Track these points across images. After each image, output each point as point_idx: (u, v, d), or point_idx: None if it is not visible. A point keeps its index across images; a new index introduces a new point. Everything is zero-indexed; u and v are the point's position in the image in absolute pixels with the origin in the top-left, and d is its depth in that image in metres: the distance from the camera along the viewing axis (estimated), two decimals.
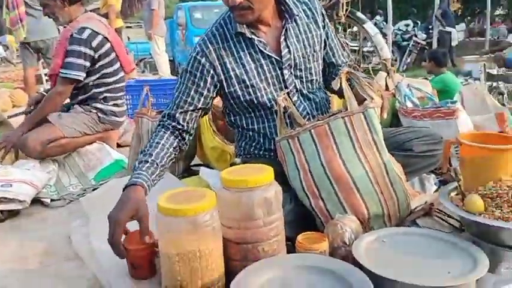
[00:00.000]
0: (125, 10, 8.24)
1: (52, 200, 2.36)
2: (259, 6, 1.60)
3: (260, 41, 1.69)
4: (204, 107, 1.74)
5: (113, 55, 2.83)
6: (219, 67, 1.69)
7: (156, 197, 1.21)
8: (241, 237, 1.25)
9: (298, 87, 1.76)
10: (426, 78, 4.80)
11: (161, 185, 2.05)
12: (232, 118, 1.85)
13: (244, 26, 1.66)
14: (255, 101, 1.72)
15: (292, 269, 1.20)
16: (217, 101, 2.59)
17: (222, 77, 1.70)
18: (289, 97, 1.71)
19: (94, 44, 2.69)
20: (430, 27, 10.87)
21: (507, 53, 8.39)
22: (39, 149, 2.60)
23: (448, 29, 10.43)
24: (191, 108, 1.70)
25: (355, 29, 4.37)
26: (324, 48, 1.87)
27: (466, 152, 1.46)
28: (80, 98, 2.81)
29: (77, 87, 2.77)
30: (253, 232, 1.24)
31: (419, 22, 11.98)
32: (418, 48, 10.72)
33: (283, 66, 1.71)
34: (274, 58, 1.71)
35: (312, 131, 1.50)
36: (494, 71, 6.87)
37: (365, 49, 9.73)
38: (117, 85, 2.90)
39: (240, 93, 1.72)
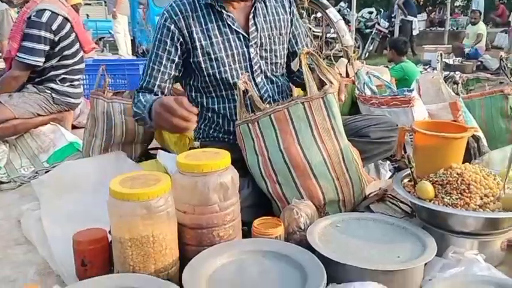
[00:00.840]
0: None
1: (2, 183, 2.28)
2: None
3: (229, 16, 1.69)
4: (176, 75, 1.75)
5: (72, 36, 2.72)
6: (187, 35, 1.68)
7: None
8: (197, 223, 1.23)
9: (262, 68, 1.76)
10: (387, 66, 4.89)
11: (117, 168, 2.02)
12: (193, 94, 1.82)
13: None
14: (218, 76, 1.71)
15: (246, 253, 1.20)
16: (177, 84, 2.55)
17: (190, 45, 1.69)
18: (253, 78, 1.72)
19: (54, 26, 2.58)
20: (393, 15, 11.04)
21: (465, 43, 8.65)
22: None
23: (409, 18, 10.63)
24: (165, 77, 1.71)
25: (319, 14, 4.37)
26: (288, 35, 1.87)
27: (419, 140, 1.49)
28: (37, 80, 2.70)
29: (34, 70, 2.65)
30: (208, 217, 1.23)
31: (382, 10, 12.13)
32: (381, 36, 10.87)
33: (250, 44, 1.72)
34: (242, 34, 1.71)
35: (272, 115, 1.50)
36: (450, 61, 7.09)
37: (328, 35, 9.80)
38: (76, 66, 2.80)
39: (203, 65, 1.70)
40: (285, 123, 1.50)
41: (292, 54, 1.90)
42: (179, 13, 1.68)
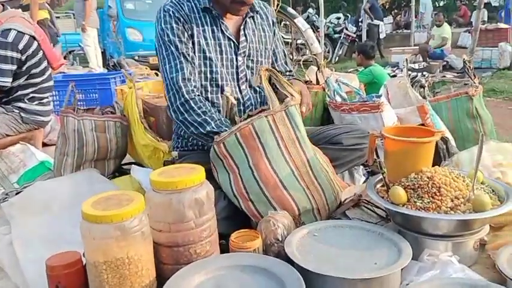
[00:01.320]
0: (53, 0, 7.81)
1: None
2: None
3: (223, 23, 1.77)
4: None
5: (40, 54, 2.68)
6: (189, 31, 1.73)
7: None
8: (172, 241, 1.22)
9: (248, 77, 1.83)
10: (357, 70, 4.96)
11: (89, 186, 1.98)
12: None
13: (211, 4, 1.73)
14: (208, 75, 1.75)
15: (224, 269, 1.19)
16: (148, 97, 2.53)
17: (190, 40, 1.73)
18: (239, 85, 1.79)
19: (21, 46, 2.53)
20: (360, 20, 11.25)
21: (431, 45, 8.86)
22: None
23: (376, 22, 10.85)
24: (194, 70, 1.72)
25: (287, 22, 4.42)
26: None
27: (389, 146, 1.52)
28: (4, 100, 2.64)
29: (1, 90, 2.59)
30: (184, 234, 1.22)
31: (349, 15, 12.33)
32: (349, 41, 11.06)
33: (239, 52, 1.79)
34: (233, 41, 1.79)
35: (238, 133, 1.51)
36: (416, 66, 7.26)
37: (298, 41, 9.90)
38: (45, 84, 2.75)
39: (197, 62, 1.74)
40: (251, 139, 1.51)
41: None
42: (181, 10, 1.74)
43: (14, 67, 2.54)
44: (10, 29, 2.51)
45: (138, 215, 1.12)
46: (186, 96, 1.64)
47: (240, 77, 1.80)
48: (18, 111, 2.64)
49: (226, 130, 1.53)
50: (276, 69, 1.96)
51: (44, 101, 2.76)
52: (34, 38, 2.63)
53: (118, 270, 1.10)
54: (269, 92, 1.56)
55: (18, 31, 2.53)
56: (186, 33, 1.72)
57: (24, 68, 2.60)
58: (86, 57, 7.77)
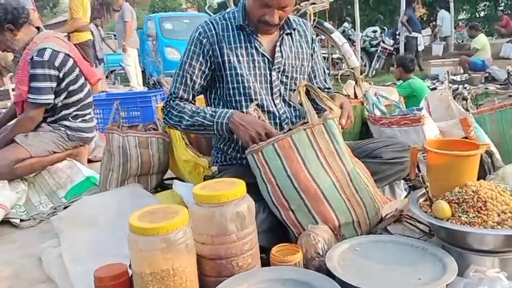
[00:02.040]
0: (95, 22, 8.15)
1: (22, 221, 2.31)
2: (281, 22, 1.80)
3: (257, 39, 1.81)
4: (204, 85, 1.86)
5: (76, 71, 2.77)
6: (217, 50, 1.79)
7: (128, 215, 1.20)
8: (215, 253, 1.25)
9: (281, 92, 1.85)
10: (395, 83, 4.89)
11: (133, 201, 2.04)
12: (218, 106, 1.89)
13: (246, 22, 1.79)
14: (242, 91, 1.80)
15: (266, 282, 1.20)
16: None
17: (219, 59, 1.80)
18: (273, 99, 1.83)
19: (57, 63, 2.63)
20: (397, 33, 11.10)
21: (472, 57, 8.63)
22: (6, 171, 2.53)
23: (414, 34, 10.67)
24: (196, 86, 1.84)
25: (323, 37, 4.43)
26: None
27: (431, 159, 1.50)
28: (50, 119, 2.76)
29: (46, 109, 2.72)
30: (226, 247, 1.24)
31: (386, 28, 12.20)
32: (386, 54, 10.91)
33: (273, 68, 1.82)
34: (267, 58, 1.82)
35: (275, 144, 1.53)
36: (457, 78, 7.08)
37: (335, 56, 9.87)
38: (86, 101, 2.85)
39: (229, 79, 1.80)
40: (290, 151, 1.52)
41: None
42: (213, 30, 1.81)
43: (54, 84, 2.64)
44: (45, 48, 2.61)
45: (182, 228, 1.15)
46: (165, 110, 1.86)
47: (274, 91, 1.84)
48: (64, 129, 2.75)
49: (198, 118, 1.73)
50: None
51: (87, 117, 2.87)
52: (69, 56, 2.73)
53: (163, 282, 1.13)
54: (307, 105, 1.57)
55: (53, 50, 2.63)
56: (205, 56, 1.80)
57: (63, 85, 2.70)
58: (127, 76, 8.03)
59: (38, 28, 2.87)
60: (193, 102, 1.87)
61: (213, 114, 1.71)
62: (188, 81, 1.82)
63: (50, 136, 2.72)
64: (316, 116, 1.57)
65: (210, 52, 1.80)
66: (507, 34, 13.05)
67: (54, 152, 2.72)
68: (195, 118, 1.75)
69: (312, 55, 1.97)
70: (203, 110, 1.76)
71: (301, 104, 1.64)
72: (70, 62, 2.73)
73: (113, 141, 2.31)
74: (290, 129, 1.59)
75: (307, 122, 1.56)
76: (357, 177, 1.56)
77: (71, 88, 2.74)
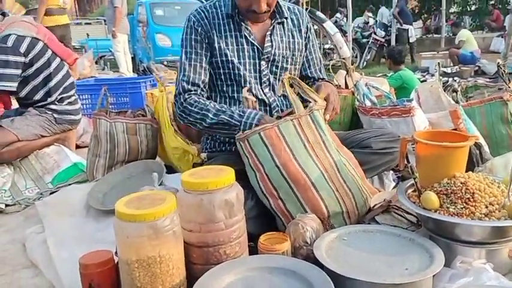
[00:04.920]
0: (84, 7, 8.03)
1: (7, 205, 2.28)
2: (272, 9, 1.76)
3: (247, 28, 1.80)
4: (211, 72, 1.83)
5: (48, 53, 2.72)
6: (210, 37, 1.78)
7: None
8: (203, 241, 1.24)
9: (271, 81, 1.84)
10: (385, 75, 4.90)
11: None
12: (210, 94, 1.88)
13: (236, 11, 1.77)
14: (232, 77, 1.80)
15: (254, 271, 1.20)
16: None
17: (211, 47, 1.79)
18: (262, 88, 1.81)
19: (22, 49, 2.58)
20: (389, 24, 11.12)
21: (461, 49, 8.67)
22: None
23: (405, 26, 10.69)
24: (207, 72, 1.82)
25: (315, 26, 4.41)
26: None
27: (421, 150, 1.50)
28: (37, 105, 2.72)
29: (27, 96, 2.67)
30: (214, 235, 1.23)
31: (378, 19, 12.20)
32: (378, 45, 10.92)
33: (262, 57, 1.81)
34: (256, 47, 1.81)
35: (261, 133, 1.52)
36: (448, 70, 7.11)
37: (326, 46, 9.84)
38: (67, 83, 2.81)
39: (220, 65, 1.79)
40: (277, 140, 1.52)
41: (303, 77, 1.98)
42: (204, 18, 1.80)
43: (18, 71, 2.59)
44: (9, 35, 2.56)
45: (170, 215, 1.13)
46: (184, 103, 1.77)
47: (263, 81, 1.83)
48: (51, 112, 2.71)
49: (223, 115, 1.66)
50: (309, 76, 1.97)
51: (72, 99, 2.83)
52: (38, 39, 2.67)
53: (150, 269, 1.12)
54: (293, 97, 1.57)
55: (18, 35, 2.58)
56: (204, 43, 1.79)
57: (33, 69, 2.65)
58: (116, 62, 7.94)
59: (3, 14, 2.81)
60: (205, 91, 1.82)
61: (241, 114, 1.65)
62: (199, 69, 1.79)
63: (37, 120, 2.68)
64: (302, 107, 1.57)
65: (206, 39, 1.79)
66: (497, 28, 13.13)
67: (42, 136, 2.69)
68: (221, 116, 1.68)
69: (306, 45, 1.95)
70: (229, 108, 1.70)
71: (284, 96, 1.63)
72: (39, 45, 2.67)
73: (100, 127, 2.28)
74: (279, 117, 1.58)
75: (293, 112, 1.56)
76: (344, 168, 1.56)
77: (46, 72, 2.69)
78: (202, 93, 1.81)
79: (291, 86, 1.61)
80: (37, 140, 2.67)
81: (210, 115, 1.70)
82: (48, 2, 5.74)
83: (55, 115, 2.72)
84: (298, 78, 1.63)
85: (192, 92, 1.78)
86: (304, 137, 1.53)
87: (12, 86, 2.59)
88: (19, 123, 2.61)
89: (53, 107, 2.72)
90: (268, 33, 1.82)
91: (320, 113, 1.59)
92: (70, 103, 2.80)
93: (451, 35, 12.86)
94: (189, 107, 1.75)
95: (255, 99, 1.68)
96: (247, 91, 1.67)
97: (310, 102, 1.60)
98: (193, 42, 1.79)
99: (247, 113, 1.64)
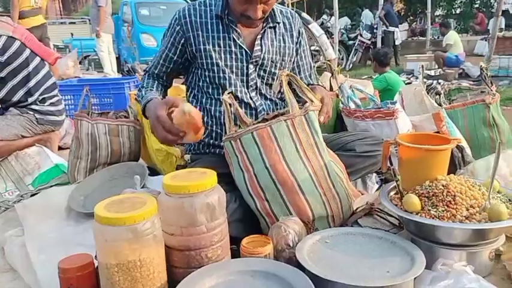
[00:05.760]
0: (69, 6, 7.94)
1: None
2: (266, 15, 1.73)
3: (236, 30, 1.76)
4: (176, 69, 1.89)
5: (26, 52, 2.68)
6: (191, 38, 1.76)
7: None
8: (184, 244, 1.22)
9: (258, 85, 1.82)
10: (371, 77, 4.92)
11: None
12: (194, 92, 1.88)
13: (226, 12, 1.74)
14: (217, 81, 1.78)
15: (236, 274, 1.19)
16: None
17: (194, 48, 1.77)
18: (248, 92, 1.79)
19: None
20: (375, 26, 11.21)
21: (447, 52, 8.77)
22: None
23: (391, 28, 10.79)
24: (164, 69, 1.87)
25: None
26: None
27: (403, 153, 1.50)
28: (19, 105, 2.68)
29: (6, 97, 2.63)
30: (196, 238, 1.22)
31: (363, 22, 12.28)
32: (364, 47, 11.00)
33: (251, 61, 1.78)
34: (245, 50, 1.78)
35: (254, 133, 1.51)
36: (432, 72, 7.19)
37: (312, 48, 9.86)
38: (48, 83, 2.77)
39: (205, 67, 1.77)
40: (269, 141, 1.50)
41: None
42: (187, 17, 1.77)
43: None
44: None
45: (150, 218, 1.12)
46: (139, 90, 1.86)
47: (250, 84, 1.80)
48: (32, 112, 2.68)
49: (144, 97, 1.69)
50: None
51: (55, 100, 2.79)
52: (14, 38, 2.64)
53: (130, 273, 1.10)
54: (289, 96, 1.54)
55: None
56: (183, 39, 1.79)
57: (9, 69, 2.61)
58: (101, 62, 7.86)
59: None
60: (162, 79, 1.90)
61: (143, 95, 1.74)
62: (159, 64, 1.86)
63: (18, 120, 2.64)
64: (297, 107, 1.55)
65: (182, 40, 1.78)
66: (481, 31, 13.33)
67: (23, 136, 2.65)
68: (138, 93, 1.81)
69: (297, 50, 1.93)
70: (152, 91, 1.77)
71: (280, 93, 1.61)
72: (16, 44, 2.63)
73: (81, 128, 2.24)
74: (266, 119, 1.56)
75: (287, 113, 1.54)
76: (333, 171, 1.55)
77: (24, 71, 2.65)
78: (158, 79, 1.89)
79: (289, 84, 1.57)
80: (18, 140, 2.63)
81: (140, 92, 1.81)
82: (20, 4, 5.67)
83: (36, 115, 2.68)
84: (296, 77, 1.60)
85: (149, 75, 1.89)
86: (297, 138, 1.52)
87: None
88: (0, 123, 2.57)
89: (34, 107, 2.68)
90: (259, 36, 1.79)
91: (315, 114, 1.57)
92: (52, 104, 2.76)
93: (437, 37, 13.05)
94: (139, 89, 1.86)
95: (234, 101, 1.60)
96: (229, 95, 1.61)
97: (303, 103, 1.57)
98: (166, 37, 1.83)
99: (143, 92, 1.77)
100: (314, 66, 2.71)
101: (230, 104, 1.55)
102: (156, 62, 1.87)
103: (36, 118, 2.68)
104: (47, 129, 2.77)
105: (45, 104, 2.72)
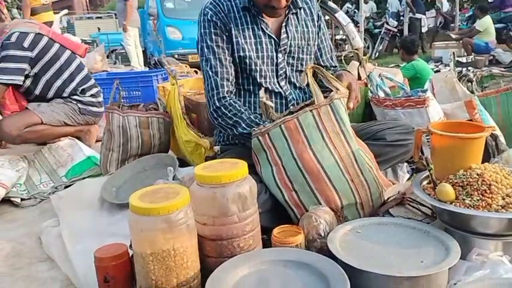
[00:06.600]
0: (95, 1, 8.08)
1: (22, 200, 2.30)
2: (289, 3, 1.73)
3: (263, 21, 1.78)
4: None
5: (55, 46, 2.78)
6: (229, 31, 1.76)
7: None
8: (217, 234, 1.24)
9: (288, 73, 1.83)
10: (398, 65, 4.83)
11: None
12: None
13: (252, 3, 1.74)
14: (248, 72, 1.78)
15: (267, 264, 1.19)
16: (190, 94, 2.57)
17: (230, 40, 1.76)
18: (278, 82, 1.81)
19: (26, 44, 2.65)
20: (402, 14, 10.97)
21: (475, 39, 8.52)
22: (15, 133, 2.61)
23: (418, 15, 10.56)
24: (232, 65, 1.77)
25: (326, 17, 4.37)
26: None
27: (436, 141, 1.48)
28: (62, 96, 2.80)
29: (43, 92, 2.74)
30: (228, 228, 1.23)
31: (390, 9, 12.04)
32: (390, 36, 10.79)
33: (279, 49, 1.79)
34: (274, 39, 1.79)
35: (282, 126, 1.51)
36: (463, 59, 6.99)
37: (338, 37, 9.76)
38: (82, 73, 2.87)
39: (237, 60, 1.77)
40: (296, 132, 1.51)
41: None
42: (221, 11, 1.76)
43: (24, 65, 2.66)
44: (13, 33, 2.66)
45: (183, 208, 1.13)
46: (217, 103, 1.73)
47: (279, 73, 1.81)
48: (75, 102, 2.83)
49: (256, 127, 1.58)
50: (321, 65, 1.96)
51: (94, 91, 2.91)
52: (41, 34, 2.74)
53: (164, 262, 1.12)
54: (314, 87, 1.54)
55: (21, 32, 2.67)
56: (224, 36, 1.75)
57: (41, 63, 2.72)
58: (128, 56, 7.97)
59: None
60: (233, 85, 1.78)
61: (249, 122, 1.66)
62: (224, 62, 1.75)
63: (63, 108, 2.78)
64: (322, 97, 1.55)
65: (226, 33, 1.76)
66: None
67: (66, 124, 2.78)
68: (254, 129, 1.60)
69: (317, 33, 1.94)
70: (262, 120, 1.65)
71: (307, 86, 1.60)
72: (44, 40, 2.74)
73: (113, 121, 2.29)
74: (292, 112, 1.56)
75: (313, 103, 1.54)
76: (361, 159, 1.54)
77: (56, 65, 2.76)
78: (232, 88, 1.77)
79: (314, 75, 1.58)
80: (60, 127, 2.76)
81: (243, 124, 1.67)
82: (31, 2, 5.84)
83: (79, 105, 2.82)
84: (321, 67, 1.60)
85: (225, 90, 1.73)
86: (323, 127, 1.52)
87: (16, 79, 2.65)
88: (45, 108, 2.73)
89: (77, 97, 2.81)
90: (284, 24, 1.80)
91: (341, 102, 1.56)
92: (93, 95, 2.90)
93: (467, 23, 12.68)
94: (223, 109, 1.71)
95: (272, 105, 1.62)
96: (264, 93, 1.62)
97: (331, 91, 1.57)
98: (213, 36, 1.75)
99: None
100: (341, 55, 2.68)
101: (265, 104, 1.58)
102: (222, 63, 1.75)
103: (79, 108, 2.82)
104: (89, 120, 2.89)
105: (86, 95, 2.85)
